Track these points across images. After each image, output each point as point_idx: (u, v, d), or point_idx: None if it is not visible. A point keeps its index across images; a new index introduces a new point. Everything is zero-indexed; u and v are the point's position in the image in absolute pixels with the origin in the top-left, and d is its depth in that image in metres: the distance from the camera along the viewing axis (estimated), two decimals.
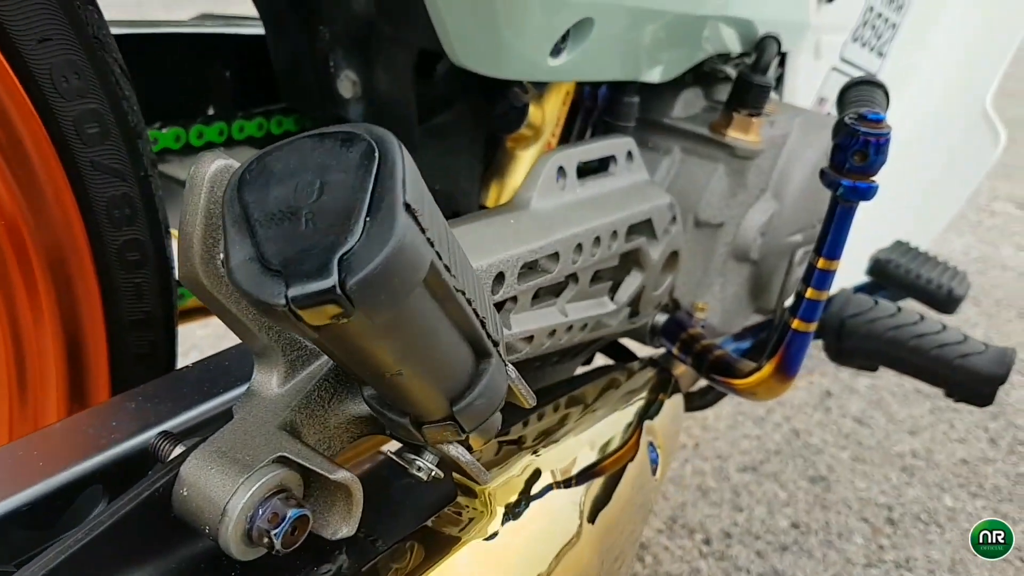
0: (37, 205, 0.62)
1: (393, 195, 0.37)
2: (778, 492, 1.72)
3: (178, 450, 0.50)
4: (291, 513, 0.46)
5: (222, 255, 0.45)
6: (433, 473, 0.54)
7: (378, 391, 0.49)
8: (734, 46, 1.02)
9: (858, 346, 1.21)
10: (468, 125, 0.93)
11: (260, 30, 0.99)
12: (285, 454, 0.48)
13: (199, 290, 0.46)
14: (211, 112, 1.01)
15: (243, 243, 0.38)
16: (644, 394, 0.91)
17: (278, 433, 0.49)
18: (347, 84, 0.88)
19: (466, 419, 0.49)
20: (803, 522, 1.65)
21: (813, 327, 0.84)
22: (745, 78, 0.98)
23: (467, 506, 0.58)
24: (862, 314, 1.21)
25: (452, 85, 0.90)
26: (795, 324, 0.84)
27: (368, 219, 0.37)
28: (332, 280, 0.36)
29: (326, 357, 0.52)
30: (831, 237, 0.80)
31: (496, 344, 0.50)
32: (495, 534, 0.56)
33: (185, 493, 0.47)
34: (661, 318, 1.03)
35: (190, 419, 0.55)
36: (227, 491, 0.46)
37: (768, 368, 0.88)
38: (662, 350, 1.05)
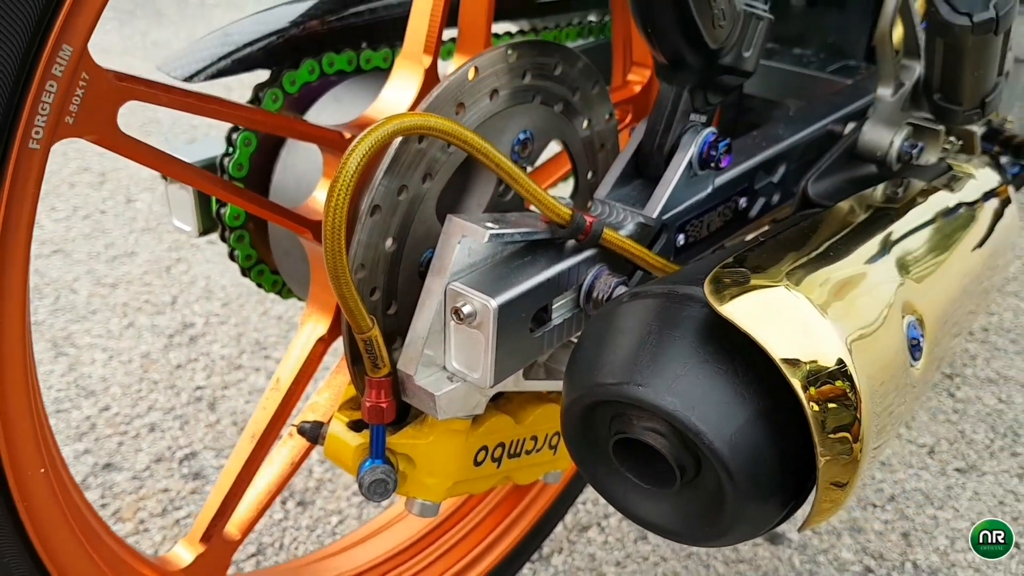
0: None
1: None
2: None
3: None
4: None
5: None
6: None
7: (960, 91, 1.03)
8: None
9: None
10: None
11: None
12: (913, 120, 1.03)
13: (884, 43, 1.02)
14: None
15: None
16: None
17: (901, 113, 1.05)
18: None
19: (988, 108, 1.03)
20: None
21: None
22: None
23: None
24: None
25: None
26: None
27: None
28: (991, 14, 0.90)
29: (905, 87, 1.07)
30: None
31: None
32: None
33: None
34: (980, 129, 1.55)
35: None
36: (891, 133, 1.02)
37: None
38: None
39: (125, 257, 2.31)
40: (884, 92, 1.06)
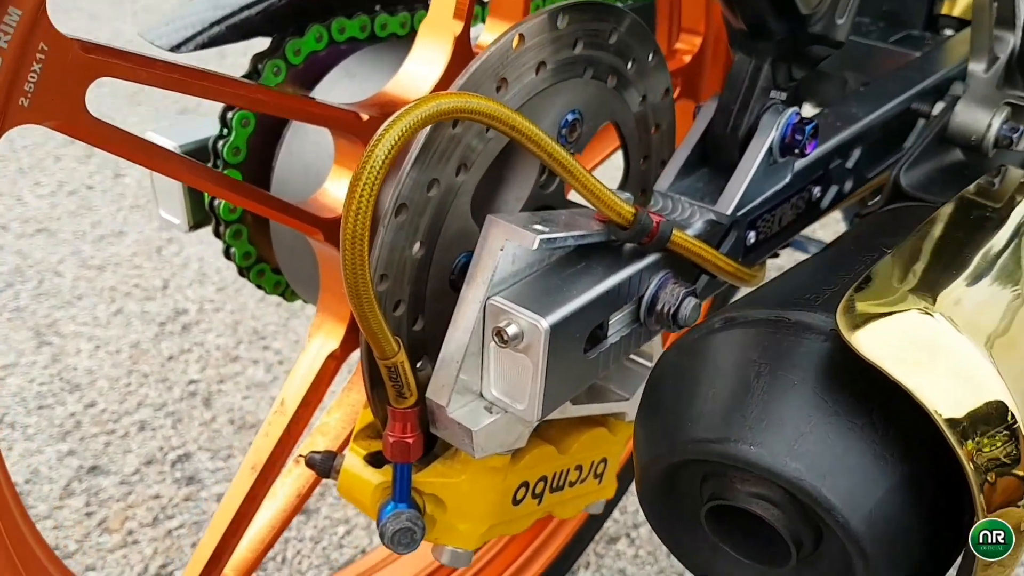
0: None
1: None
2: None
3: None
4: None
5: None
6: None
7: None
8: None
9: None
10: None
11: None
12: (1012, 100, 0.89)
13: (982, 10, 0.87)
14: None
15: None
16: None
17: (997, 92, 0.91)
18: None
19: None
20: None
21: None
22: None
23: None
24: None
25: None
26: None
27: None
28: None
29: (1000, 60, 0.93)
30: None
31: None
32: None
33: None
34: None
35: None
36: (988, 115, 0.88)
37: None
38: None
39: (113, 237, 2.16)
40: (976, 67, 0.92)
